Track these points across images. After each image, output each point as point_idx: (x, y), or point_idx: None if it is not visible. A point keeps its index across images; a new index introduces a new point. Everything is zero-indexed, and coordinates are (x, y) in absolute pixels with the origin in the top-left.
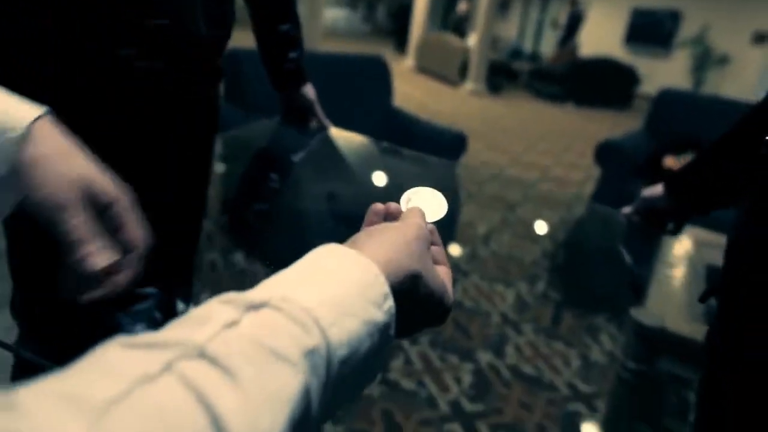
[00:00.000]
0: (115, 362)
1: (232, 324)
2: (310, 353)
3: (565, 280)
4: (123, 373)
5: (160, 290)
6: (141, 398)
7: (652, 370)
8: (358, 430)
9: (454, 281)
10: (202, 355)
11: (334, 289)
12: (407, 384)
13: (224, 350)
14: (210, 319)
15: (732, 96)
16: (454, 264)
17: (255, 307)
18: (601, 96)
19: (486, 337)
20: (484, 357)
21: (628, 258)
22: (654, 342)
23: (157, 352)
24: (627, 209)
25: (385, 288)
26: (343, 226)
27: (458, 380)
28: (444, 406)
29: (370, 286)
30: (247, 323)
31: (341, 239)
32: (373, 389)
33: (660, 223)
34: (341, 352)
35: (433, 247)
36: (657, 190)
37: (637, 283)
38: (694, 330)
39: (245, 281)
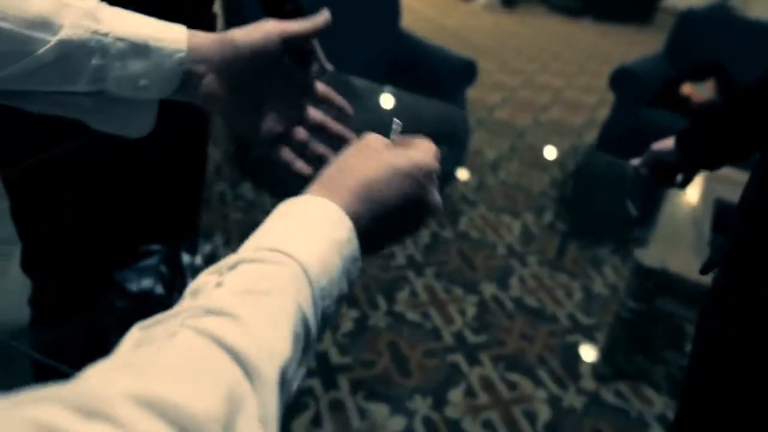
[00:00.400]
0: (141, 339)
1: (219, 285)
2: (292, 279)
3: (572, 210)
4: (150, 342)
5: (166, 245)
6: (170, 350)
7: (651, 309)
8: (366, 360)
9: (461, 212)
10: (206, 311)
11: (294, 227)
12: (413, 316)
13: (220, 304)
14: (202, 288)
15: (761, 13)
16: (462, 194)
17: (232, 266)
18: (621, 9)
19: (491, 269)
20: (489, 289)
21: (633, 211)
22: (655, 283)
23: (171, 321)
24: (636, 161)
25: (338, 210)
26: None
27: (462, 312)
28: (448, 338)
29: (325, 214)
30: (229, 280)
31: None
32: (380, 321)
33: (669, 177)
34: (317, 270)
35: (401, 141)
36: (667, 143)
37: (639, 238)
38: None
39: (253, 212)
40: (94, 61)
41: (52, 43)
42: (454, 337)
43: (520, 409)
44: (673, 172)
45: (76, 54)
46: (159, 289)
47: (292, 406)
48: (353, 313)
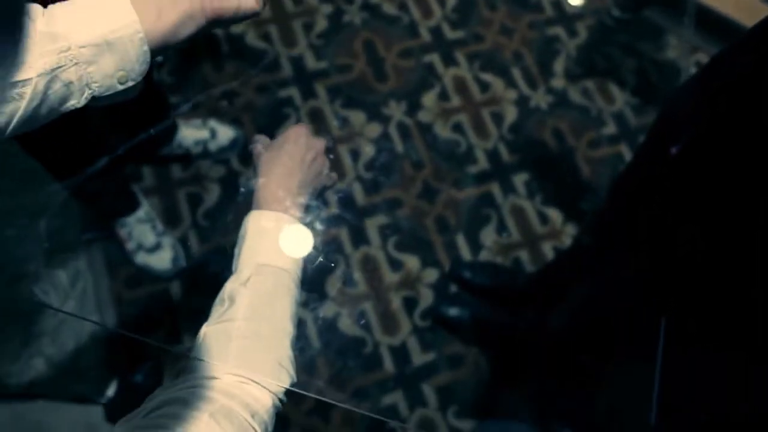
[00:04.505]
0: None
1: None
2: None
3: None
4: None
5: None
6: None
7: (637, 19)
8: (342, 64)
9: None
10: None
11: (268, 241)
12: (389, 8)
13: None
14: (232, 299)
15: None
16: None
17: (244, 282)
18: None
19: None
20: None
21: None
22: None
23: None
24: None
25: (279, 215)
26: None
27: (442, 2)
28: (425, 34)
29: (278, 222)
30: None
31: None
32: (355, 16)
33: None
34: (292, 265)
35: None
36: None
37: None
38: None
39: None
40: (73, 74)
41: (34, 80)
42: (432, 33)
43: (489, 111)
44: None
45: (58, 77)
46: None
47: (276, 118)
48: (326, 9)
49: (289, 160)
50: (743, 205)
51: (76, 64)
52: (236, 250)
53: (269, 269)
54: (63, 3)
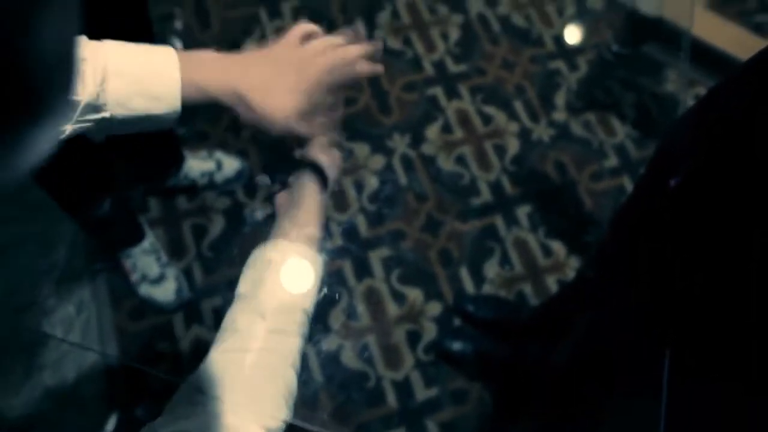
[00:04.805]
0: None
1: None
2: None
3: None
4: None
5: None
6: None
7: (637, 54)
8: (347, 97)
9: None
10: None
11: (288, 279)
12: (394, 43)
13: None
14: (247, 330)
15: None
16: None
17: (263, 314)
18: None
19: None
20: (475, 6)
21: None
22: (647, 30)
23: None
24: None
25: (303, 247)
26: None
27: (445, 36)
28: (429, 68)
29: (297, 255)
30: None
31: None
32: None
33: None
34: (307, 303)
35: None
36: None
37: None
38: (696, 23)
39: None
40: (104, 131)
41: (62, 137)
42: (435, 67)
43: (492, 143)
44: None
45: (85, 132)
46: None
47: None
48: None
49: (308, 207)
50: (740, 238)
51: (108, 126)
52: (250, 273)
53: (288, 305)
54: (115, 51)
